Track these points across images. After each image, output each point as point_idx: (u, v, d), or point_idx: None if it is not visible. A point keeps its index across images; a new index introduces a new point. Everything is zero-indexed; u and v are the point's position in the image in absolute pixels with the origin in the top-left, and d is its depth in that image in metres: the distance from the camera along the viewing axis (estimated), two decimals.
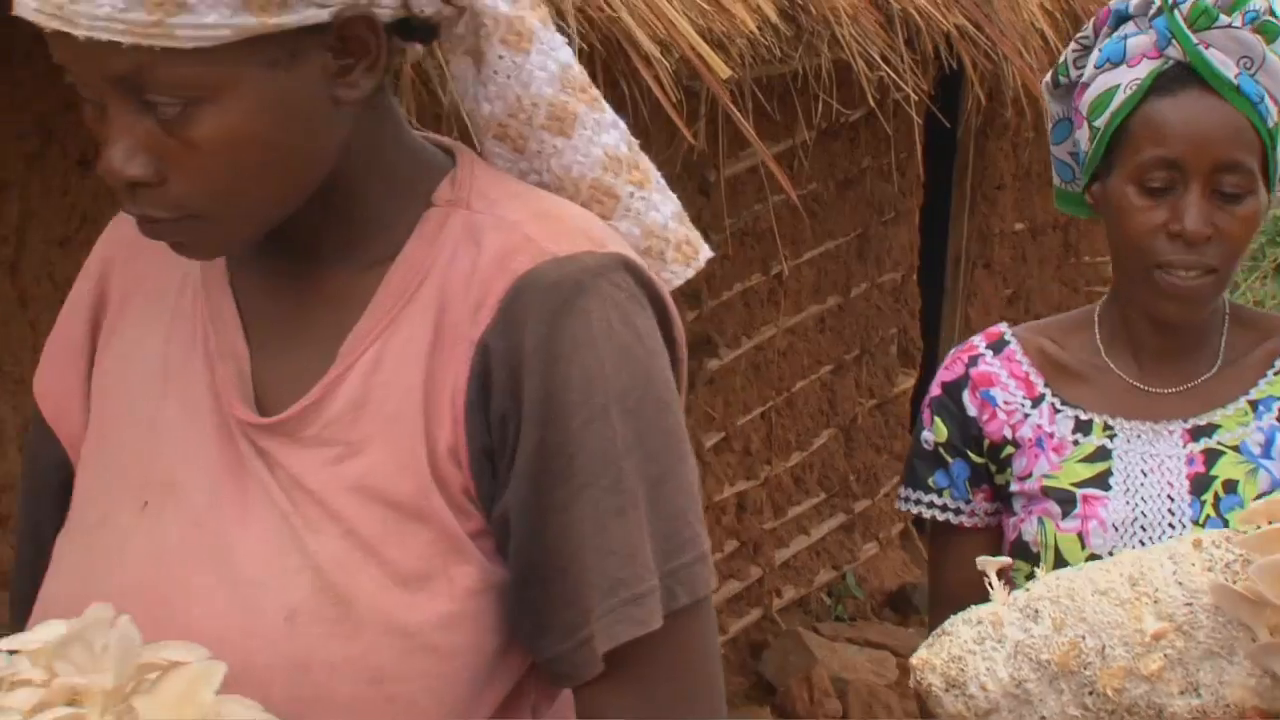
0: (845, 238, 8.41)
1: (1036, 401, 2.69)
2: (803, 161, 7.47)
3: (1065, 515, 2.61)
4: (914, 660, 2.25)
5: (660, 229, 1.91)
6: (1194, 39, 2.53)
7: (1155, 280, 2.55)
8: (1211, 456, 2.62)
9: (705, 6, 5.14)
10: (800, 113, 6.83)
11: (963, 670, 2.20)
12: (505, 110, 1.85)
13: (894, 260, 8.91)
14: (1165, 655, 2.13)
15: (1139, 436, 2.65)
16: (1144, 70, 2.55)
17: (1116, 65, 2.58)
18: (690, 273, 1.94)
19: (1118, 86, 2.57)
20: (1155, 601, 2.14)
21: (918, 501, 2.76)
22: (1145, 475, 2.62)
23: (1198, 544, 2.17)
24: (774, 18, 5.56)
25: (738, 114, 4.55)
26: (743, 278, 7.59)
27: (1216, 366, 2.68)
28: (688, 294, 7.09)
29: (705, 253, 1.96)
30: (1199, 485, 2.61)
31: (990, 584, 2.26)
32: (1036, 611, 2.19)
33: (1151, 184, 2.53)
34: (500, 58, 1.83)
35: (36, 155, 4.23)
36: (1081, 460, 2.65)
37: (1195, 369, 2.68)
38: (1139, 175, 2.54)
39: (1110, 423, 2.66)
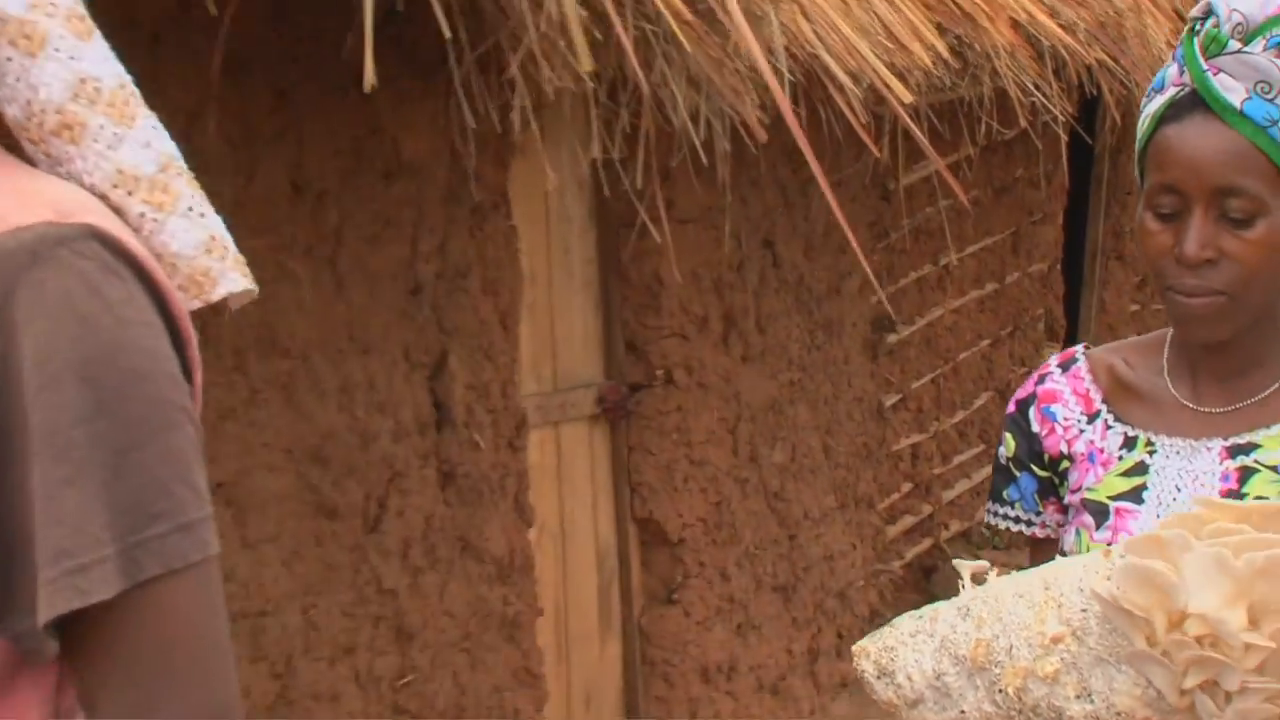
0: (1001, 235, 8.34)
1: (1093, 418, 2.33)
2: (966, 172, 7.39)
3: (1099, 527, 2.26)
4: (854, 647, 2.03)
5: (171, 255, 1.57)
6: (1203, 65, 2.13)
7: (1169, 302, 2.19)
8: (1246, 474, 2.22)
9: (889, 44, 5.10)
10: (966, 131, 6.77)
11: (893, 660, 1.96)
12: (22, 114, 1.54)
13: (1041, 253, 8.83)
14: (1061, 659, 1.84)
15: (1177, 453, 2.25)
16: (1167, 97, 2.18)
17: (1157, 92, 2.22)
18: (196, 304, 1.58)
19: (1148, 115, 2.21)
20: (1059, 606, 1.86)
21: (994, 514, 2.44)
22: (1179, 490, 2.24)
23: (1107, 553, 1.88)
24: (945, 53, 5.50)
25: (918, 132, 4.48)
26: (917, 267, 7.55)
27: (1272, 388, 2.25)
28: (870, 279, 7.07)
29: (227, 288, 1.60)
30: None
31: (961, 584, 1.99)
32: (968, 609, 1.93)
33: (1160, 209, 2.15)
34: (9, 59, 1.52)
35: (350, 170, 4.26)
36: (1121, 474, 2.28)
37: (1248, 389, 2.26)
38: (1150, 201, 2.17)
39: (1153, 439, 2.27)
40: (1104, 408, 2.33)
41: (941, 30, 5.60)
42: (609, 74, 4.16)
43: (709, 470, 5.89)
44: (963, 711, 1.91)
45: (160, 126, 1.59)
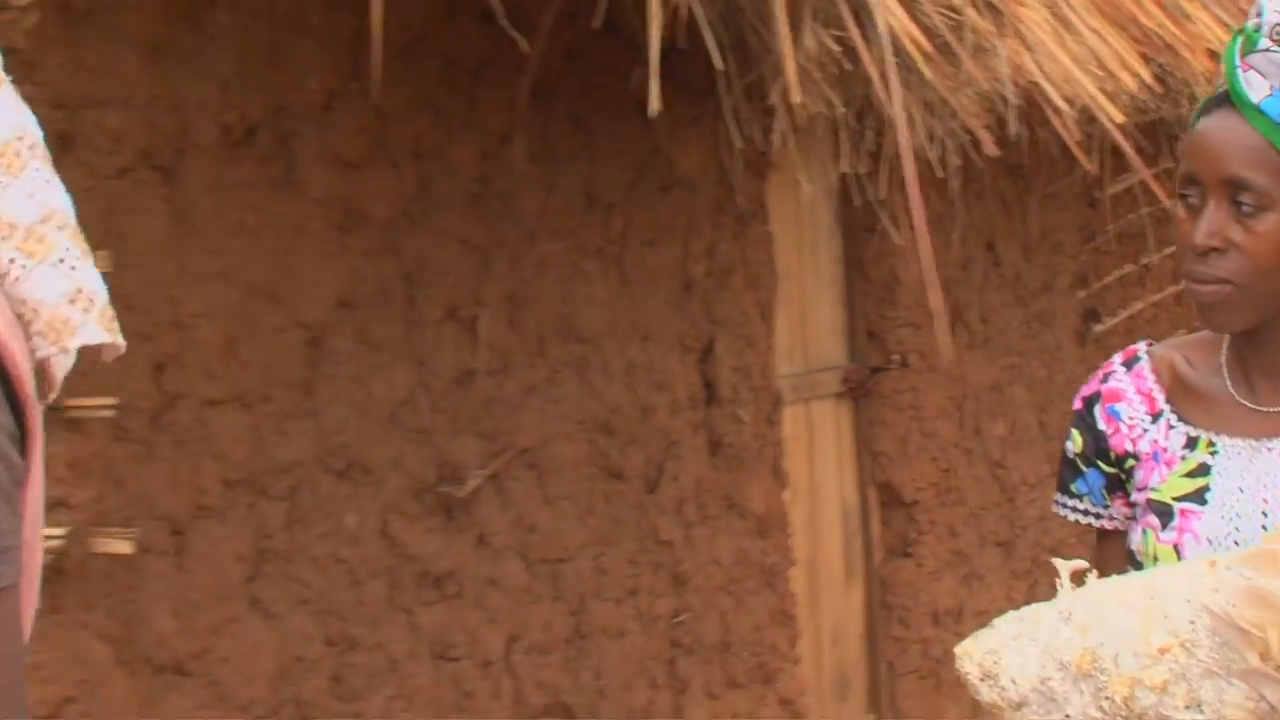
0: None
1: (1156, 417, 2.00)
2: (1166, 182, 7.15)
3: (1164, 527, 1.94)
4: (957, 649, 1.77)
5: (35, 301, 1.40)
6: (1237, 62, 1.86)
7: (1186, 289, 1.92)
8: None
9: (1099, 73, 4.93)
10: (1166, 148, 6.54)
11: (997, 663, 1.70)
12: None
13: None
14: (1170, 669, 1.60)
15: (1239, 454, 1.94)
16: (1211, 93, 1.92)
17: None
18: (53, 350, 1.41)
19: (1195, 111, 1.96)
20: (1166, 616, 1.61)
21: (1063, 505, 2.11)
22: (1242, 491, 1.92)
23: (1213, 564, 1.64)
24: (1149, 80, 5.31)
25: (1129, 148, 4.31)
26: (1119, 266, 7.32)
27: None
28: (1079, 277, 6.88)
29: (84, 339, 1.41)
30: None
31: (1059, 584, 1.74)
32: (1070, 614, 1.68)
33: (1186, 197, 1.88)
34: None
35: (634, 183, 4.24)
36: (1184, 475, 1.96)
37: None
38: (1178, 190, 1.91)
39: (1214, 440, 1.95)
40: (1167, 407, 2.00)
41: (1146, 60, 5.41)
42: (856, 100, 4.08)
43: (938, 441, 5.79)
44: (1068, 716, 1.66)
45: (54, 180, 1.44)
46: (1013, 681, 1.69)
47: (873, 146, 4.42)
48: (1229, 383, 1.97)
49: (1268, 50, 1.86)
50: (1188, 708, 1.59)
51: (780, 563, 4.89)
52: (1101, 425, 2.03)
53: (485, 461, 3.76)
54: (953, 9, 3.84)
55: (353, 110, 3.37)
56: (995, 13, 4.05)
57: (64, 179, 2.84)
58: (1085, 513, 2.07)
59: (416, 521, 3.58)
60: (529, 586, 3.90)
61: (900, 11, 3.55)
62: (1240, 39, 1.89)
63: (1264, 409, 1.94)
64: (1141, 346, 2.06)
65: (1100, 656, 1.63)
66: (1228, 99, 1.87)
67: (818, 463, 5.37)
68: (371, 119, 3.40)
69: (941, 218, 5.61)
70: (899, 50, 3.65)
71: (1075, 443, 2.06)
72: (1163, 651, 1.61)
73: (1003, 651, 1.70)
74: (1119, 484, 2.04)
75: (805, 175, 4.52)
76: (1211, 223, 1.85)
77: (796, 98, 3.47)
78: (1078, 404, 2.07)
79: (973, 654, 1.73)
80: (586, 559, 4.09)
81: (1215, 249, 1.86)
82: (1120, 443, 2.01)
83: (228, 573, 3.11)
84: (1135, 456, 2.00)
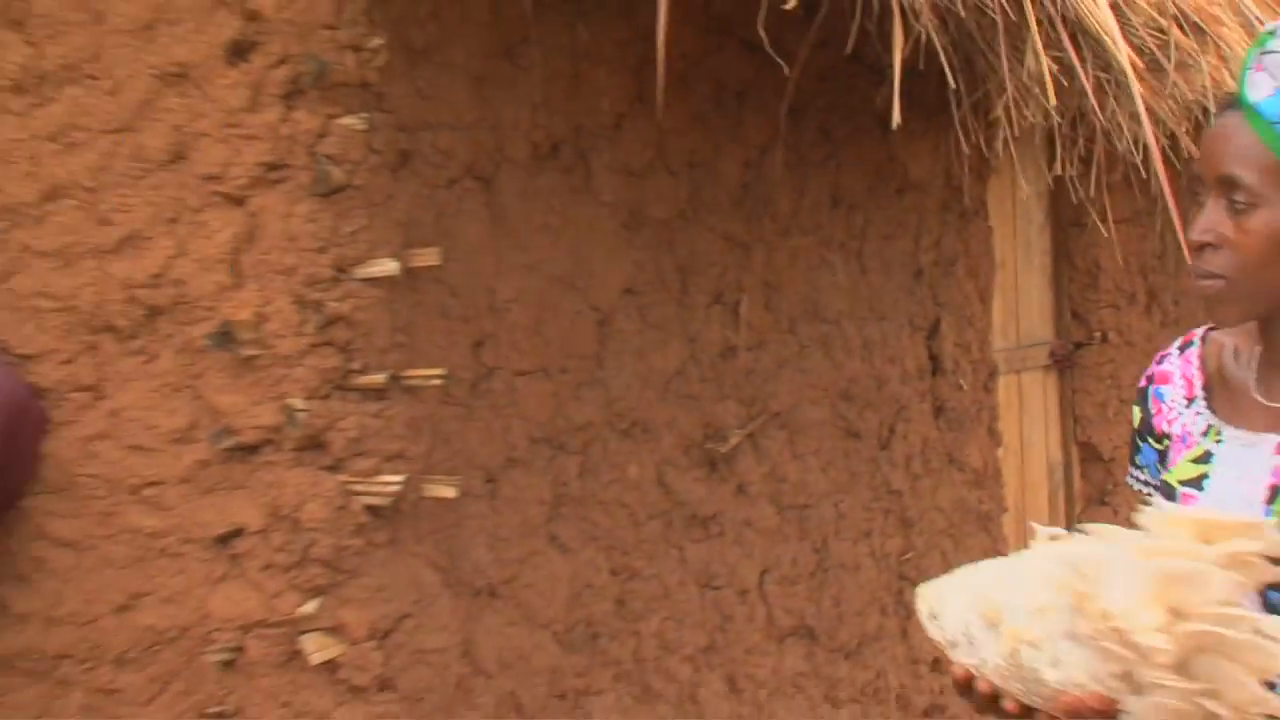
0: None
1: (1190, 402, 1.76)
2: None
3: None
4: (918, 589, 1.66)
5: None
6: (1251, 64, 1.61)
7: (1191, 284, 1.69)
8: None
9: None
10: None
11: (942, 605, 1.58)
12: None
13: None
14: (1043, 629, 1.46)
15: (1240, 444, 1.69)
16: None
17: None
18: None
19: None
20: (1053, 580, 1.48)
21: (1132, 476, 1.87)
22: (1236, 481, 1.67)
23: (1101, 534, 1.50)
24: None
25: None
26: None
27: None
28: None
29: None
30: (1274, 495, 1.64)
31: (1033, 546, 1.58)
32: (1001, 571, 1.55)
33: (1197, 195, 1.67)
34: None
35: (873, 187, 4.16)
36: (1192, 460, 1.73)
37: None
38: (1191, 189, 1.73)
39: (1222, 429, 1.71)
40: (1201, 394, 1.76)
41: None
42: (1070, 112, 3.92)
43: None
44: (984, 660, 1.53)
45: None
46: (950, 624, 1.58)
47: (1084, 152, 4.24)
48: (1253, 375, 1.72)
49: (1275, 52, 1.62)
50: (1052, 665, 1.46)
51: (994, 510, 4.76)
52: (1150, 405, 1.81)
53: (744, 423, 3.73)
54: (1160, 30, 3.66)
55: (638, 128, 3.35)
56: (1199, 32, 3.84)
57: (403, 190, 2.88)
58: (1146, 484, 1.85)
59: (686, 473, 3.57)
60: (779, 528, 3.86)
61: (1116, 32, 3.38)
62: (1258, 42, 1.66)
63: (1271, 403, 1.69)
64: (1199, 332, 1.81)
65: (1004, 610, 1.51)
66: (1238, 100, 1.64)
67: (1027, 425, 5.22)
68: (654, 135, 3.38)
69: (1140, 214, 5.39)
70: (1107, 66, 3.49)
71: (1135, 418, 1.85)
72: (1040, 612, 1.47)
73: (947, 596, 1.59)
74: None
75: (1023, 177, 4.38)
76: (1207, 219, 1.62)
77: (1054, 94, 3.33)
78: (1141, 382, 1.86)
79: (926, 595, 1.62)
80: (828, 505, 4.04)
81: (1209, 244, 1.62)
82: (1160, 423, 1.80)
83: (531, 514, 3.14)
84: (1169, 438, 1.78)
